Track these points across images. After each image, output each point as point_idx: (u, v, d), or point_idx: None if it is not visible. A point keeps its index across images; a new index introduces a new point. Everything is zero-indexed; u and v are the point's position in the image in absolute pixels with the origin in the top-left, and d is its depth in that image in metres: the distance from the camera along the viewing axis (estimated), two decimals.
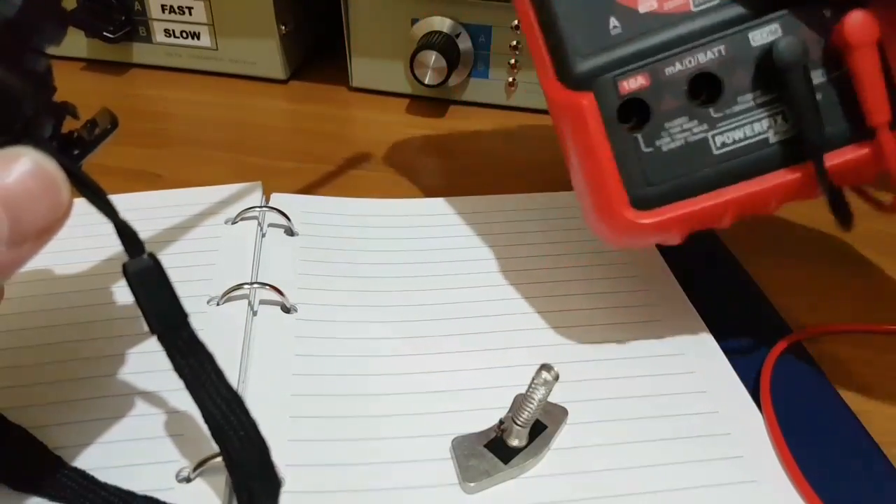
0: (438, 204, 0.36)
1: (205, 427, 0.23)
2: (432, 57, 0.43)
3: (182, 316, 0.19)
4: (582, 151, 0.23)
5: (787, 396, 0.26)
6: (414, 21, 0.44)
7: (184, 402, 0.24)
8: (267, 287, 0.29)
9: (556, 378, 0.23)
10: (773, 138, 0.22)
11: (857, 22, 0.20)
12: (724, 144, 0.22)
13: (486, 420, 0.25)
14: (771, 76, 0.22)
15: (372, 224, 0.34)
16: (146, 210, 0.34)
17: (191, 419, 0.24)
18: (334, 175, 0.40)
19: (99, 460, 0.23)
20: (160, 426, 0.24)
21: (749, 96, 0.22)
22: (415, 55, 0.43)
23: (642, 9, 0.22)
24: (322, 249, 0.32)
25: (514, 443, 0.24)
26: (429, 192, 0.38)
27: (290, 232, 0.33)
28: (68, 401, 0.24)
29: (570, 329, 0.29)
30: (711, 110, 0.22)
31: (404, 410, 0.25)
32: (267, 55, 0.48)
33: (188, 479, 0.22)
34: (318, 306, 0.29)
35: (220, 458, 0.22)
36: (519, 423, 0.23)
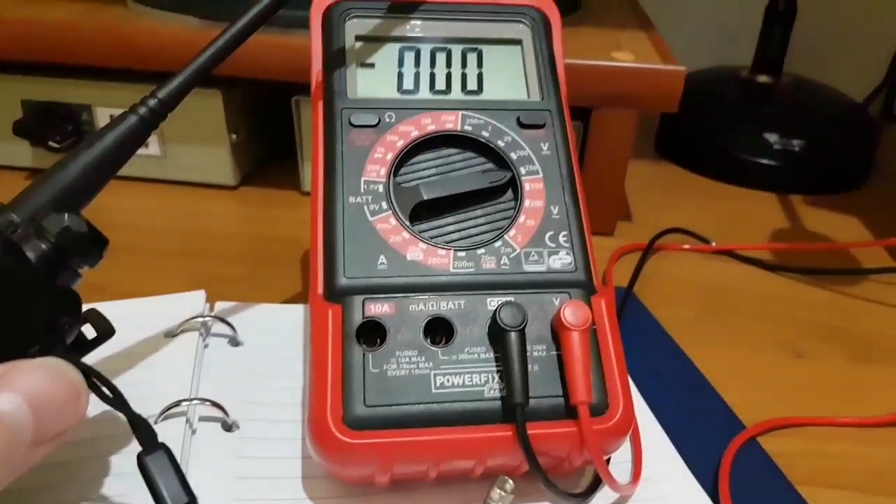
0: None
1: None
2: None
3: (191, 497, 0.21)
4: (316, 358, 0.24)
5: (746, 495, 0.26)
6: None
7: None
8: (207, 403, 0.27)
9: (512, 492, 0.23)
10: (487, 393, 0.23)
11: (571, 309, 0.24)
12: (443, 385, 0.23)
13: None
14: (496, 336, 0.24)
15: None
16: None
17: None
18: (285, 280, 0.39)
19: None
20: None
21: (476, 350, 0.24)
22: None
23: (409, 257, 0.25)
24: (268, 360, 0.31)
25: None
26: None
27: (235, 342, 0.32)
28: None
29: None
30: (440, 352, 0.24)
31: None
32: (217, 162, 0.48)
33: None
34: (262, 422, 0.28)
35: None
36: None
